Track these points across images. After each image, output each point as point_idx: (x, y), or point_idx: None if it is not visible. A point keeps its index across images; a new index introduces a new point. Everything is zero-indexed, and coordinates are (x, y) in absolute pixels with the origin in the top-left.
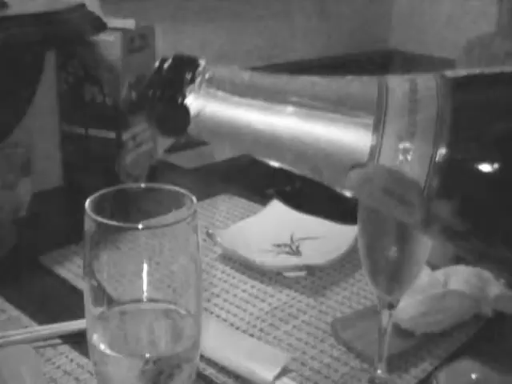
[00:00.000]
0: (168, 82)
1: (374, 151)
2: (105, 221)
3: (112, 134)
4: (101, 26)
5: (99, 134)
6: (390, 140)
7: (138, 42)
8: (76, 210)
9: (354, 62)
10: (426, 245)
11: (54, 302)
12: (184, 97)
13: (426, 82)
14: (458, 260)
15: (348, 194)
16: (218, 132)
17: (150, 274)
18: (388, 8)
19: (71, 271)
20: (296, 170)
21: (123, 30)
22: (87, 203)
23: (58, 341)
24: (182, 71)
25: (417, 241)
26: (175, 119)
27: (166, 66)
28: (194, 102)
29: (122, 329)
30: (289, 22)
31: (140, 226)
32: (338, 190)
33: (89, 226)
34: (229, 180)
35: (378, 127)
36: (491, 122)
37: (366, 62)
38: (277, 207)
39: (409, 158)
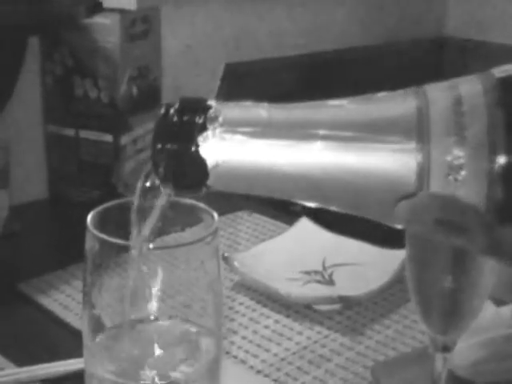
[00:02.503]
0: (177, 132)
1: (422, 178)
2: (110, 239)
3: (108, 138)
4: (95, 7)
5: (92, 136)
6: (438, 163)
7: (139, 26)
8: (63, 228)
9: (402, 52)
10: (489, 274)
11: (36, 339)
12: (198, 147)
13: (471, 88)
14: None
15: (398, 226)
16: (241, 182)
17: (160, 302)
18: None
19: (57, 301)
20: (335, 209)
21: (122, 12)
22: (89, 218)
23: None
24: (192, 117)
25: (478, 269)
26: (191, 174)
27: (172, 112)
28: (209, 151)
29: (128, 355)
30: (320, 5)
31: (150, 246)
32: (387, 224)
33: (91, 244)
34: (249, 195)
35: (422, 150)
36: None
37: (415, 52)
38: (306, 227)
39: (462, 178)
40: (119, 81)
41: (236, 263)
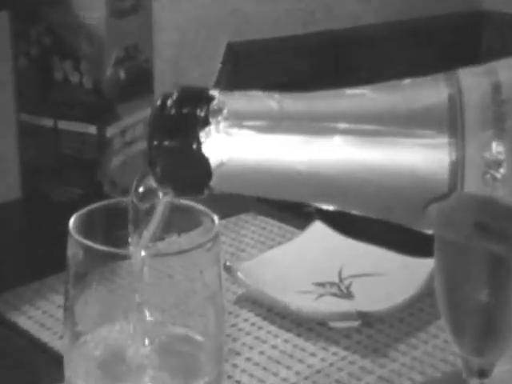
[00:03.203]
0: (176, 126)
1: (455, 177)
2: (96, 245)
3: (92, 129)
4: None
5: (74, 127)
6: (474, 160)
7: (128, 0)
8: (40, 233)
9: (430, 30)
10: None
11: (8, 363)
12: (200, 144)
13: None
14: None
15: (428, 231)
16: (248, 183)
17: (152, 319)
18: None
19: (32, 319)
20: (356, 212)
21: None
22: (72, 222)
23: None
24: (193, 109)
25: None
26: (192, 174)
27: (170, 103)
28: (213, 148)
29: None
30: None
31: (142, 253)
32: (415, 228)
33: (73, 252)
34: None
35: (455, 146)
36: None
37: (446, 30)
38: (319, 231)
39: (501, 177)
40: (105, 63)
41: (239, 273)
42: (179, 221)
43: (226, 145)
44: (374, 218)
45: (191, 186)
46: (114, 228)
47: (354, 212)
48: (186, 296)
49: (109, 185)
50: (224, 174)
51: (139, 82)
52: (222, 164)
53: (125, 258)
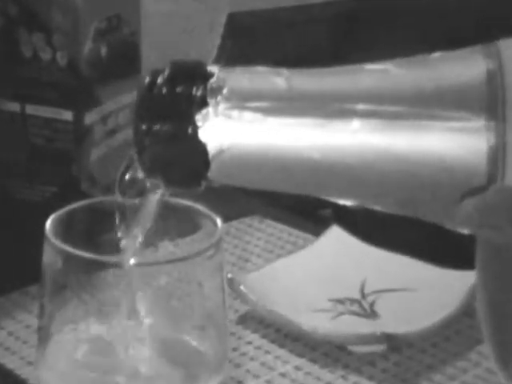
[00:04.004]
0: (168, 108)
1: (495, 166)
2: (78, 252)
3: (67, 115)
4: None
5: (45, 113)
6: None
7: None
8: (5, 238)
9: None
10: None
11: None
12: (196, 128)
13: None
14: None
15: (463, 230)
16: (252, 173)
17: (142, 340)
18: None
19: None
20: (378, 207)
21: None
22: (48, 225)
23: None
24: (188, 88)
25: None
26: (187, 164)
27: (161, 81)
28: (211, 133)
29: None
30: None
31: (132, 262)
32: (448, 227)
33: (51, 260)
34: (260, 193)
35: (494, 130)
36: None
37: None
38: (338, 238)
39: None
40: (82, 36)
41: (243, 287)
42: (175, 223)
43: (227, 129)
44: (400, 214)
45: (186, 178)
46: (97, 232)
47: (376, 207)
48: (181, 314)
49: (87, 181)
50: (224, 163)
51: (123, 60)
52: (221, 151)
53: (112, 266)
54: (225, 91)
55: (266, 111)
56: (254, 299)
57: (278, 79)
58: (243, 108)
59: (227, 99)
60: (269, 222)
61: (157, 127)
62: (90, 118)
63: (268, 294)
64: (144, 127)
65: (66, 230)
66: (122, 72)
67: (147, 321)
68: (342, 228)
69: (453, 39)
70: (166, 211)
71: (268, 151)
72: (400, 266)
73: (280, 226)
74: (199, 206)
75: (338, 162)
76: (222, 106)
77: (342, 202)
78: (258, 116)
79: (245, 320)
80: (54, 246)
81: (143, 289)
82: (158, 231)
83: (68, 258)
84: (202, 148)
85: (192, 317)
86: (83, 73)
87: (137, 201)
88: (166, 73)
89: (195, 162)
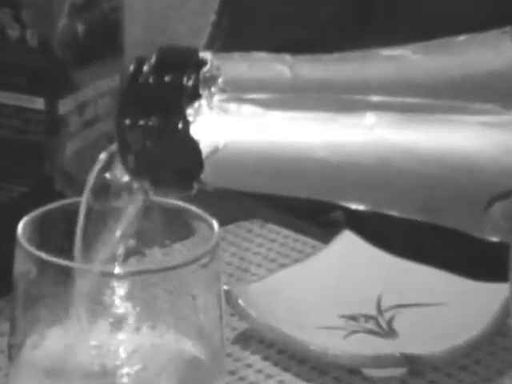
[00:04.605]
0: (156, 100)
1: None
2: (55, 260)
3: (39, 103)
4: None
5: (13, 101)
6: None
7: None
8: None
9: None
10: None
11: None
12: (187, 123)
13: None
14: None
15: (492, 238)
16: (251, 175)
17: (129, 358)
18: None
19: None
20: (397, 214)
21: None
22: (21, 228)
23: None
24: (178, 77)
25: None
26: (177, 163)
27: (147, 69)
28: (205, 129)
29: None
30: None
31: (116, 271)
32: (476, 235)
33: (23, 267)
34: (262, 195)
35: None
36: None
37: None
38: (350, 245)
39: None
40: (55, 12)
41: (241, 301)
42: (164, 227)
43: (222, 125)
44: (421, 220)
45: (176, 180)
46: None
47: (392, 212)
48: (171, 331)
49: (62, 180)
50: (219, 164)
51: (103, 39)
52: (216, 150)
53: (93, 276)
54: (220, 81)
55: (268, 104)
56: (254, 315)
57: (281, 67)
58: (241, 100)
59: (222, 90)
60: (271, 226)
61: (142, 122)
62: (64, 106)
63: (270, 308)
64: (128, 122)
65: (41, 234)
66: (101, 53)
67: (132, 336)
68: (355, 233)
69: (482, 22)
70: (155, 213)
71: (269, 149)
72: (422, 277)
73: (284, 231)
74: (192, 208)
75: (351, 161)
76: (216, 98)
77: (354, 206)
78: (259, 109)
79: (243, 339)
80: (28, 253)
81: (129, 301)
82: (146, 236)
83: (44, 265)
84: (193, 146)
85: (184, 336)
86: (57, 54)
87: (116, 203)
88: (153, 60)
89: (186, 161)
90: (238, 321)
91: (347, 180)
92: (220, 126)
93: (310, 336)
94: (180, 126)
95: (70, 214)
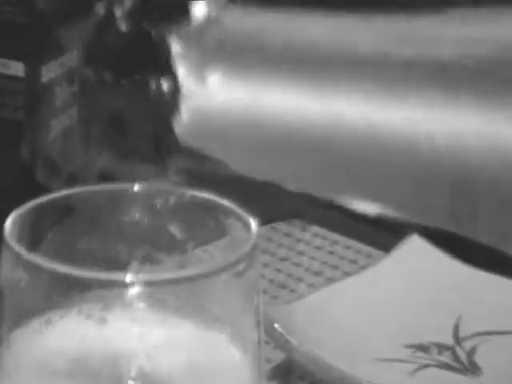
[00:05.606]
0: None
1: None
2: (52, 265)
3: (17, 68)
4: None
5: None
6: None
7: None
8: None
9: None
10: None
11: None
12: None
13: None
14: None
15: None
16: None
17: None
18: None
19: None
20: None
21: None
22: (8, 226)
23: None
24: None
25: None
26: None
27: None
28: None
29: None
30: None
31: (128, 279)
32: None
33: (11, 275)
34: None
35: None
36: None
37: None
38: (419, 253)
39: None
40: None
41: (278, 326)
42: (191, 226)
43: None
44: None
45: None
46: (72, 238)
47: None
48: (195, 366)
49: (44, 168)
50: None
51: None
52: None
53: (100, 285)
54: None
55: None
56: (295, 343)
57: None
58: None
59: None
60: (315, 228)
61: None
62: (48, 72)
63: (315, 335)
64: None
65: (32, 236)
66: (91, 6)
67: (147, 360)
68: (424, 239)
69: None
70: (177, 207)
71: None
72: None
73: (332, 234)
74: (225, 202)
75: None
76: None
77: None
78: None
79: (281, 374)
80: (19, 257)
81: (143, 317)
82: (164, 238)
83: (39, 273)
84: None
85: (212, 370)
86: (39, 7)
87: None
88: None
89: None
90: (274, 350)
91: None
92: None
93: (367, 371)
94: None
95: (63, 210)
